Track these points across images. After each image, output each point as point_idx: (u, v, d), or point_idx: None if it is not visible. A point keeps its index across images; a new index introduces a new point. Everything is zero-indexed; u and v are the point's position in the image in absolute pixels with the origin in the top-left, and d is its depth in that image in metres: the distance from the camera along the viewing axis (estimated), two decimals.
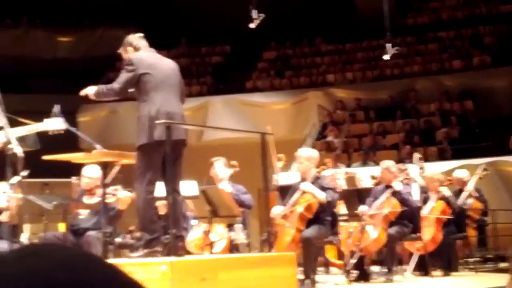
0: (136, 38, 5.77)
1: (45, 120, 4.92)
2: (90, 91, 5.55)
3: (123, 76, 5.49)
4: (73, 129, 6.07)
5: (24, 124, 4.86)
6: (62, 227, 6.99)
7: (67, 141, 8.34)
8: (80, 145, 11.69)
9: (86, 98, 5.66)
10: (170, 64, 5.77)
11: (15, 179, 4.86)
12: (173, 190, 5.45)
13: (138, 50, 5.67)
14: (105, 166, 5.82)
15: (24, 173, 4.59)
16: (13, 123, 4.85)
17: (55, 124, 4.93)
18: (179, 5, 21.58)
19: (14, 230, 5.31)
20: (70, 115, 5.83)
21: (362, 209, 7.91)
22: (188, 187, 6.98)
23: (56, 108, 5.83)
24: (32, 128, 4.82)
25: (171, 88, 5.56)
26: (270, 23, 13.63)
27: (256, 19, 12.41)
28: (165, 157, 5.34)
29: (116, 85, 5.51)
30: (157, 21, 20.98)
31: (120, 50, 5.77)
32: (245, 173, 8.37)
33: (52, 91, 16.62)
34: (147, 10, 21.29)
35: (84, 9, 21.18)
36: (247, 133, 10.60)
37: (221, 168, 7.96)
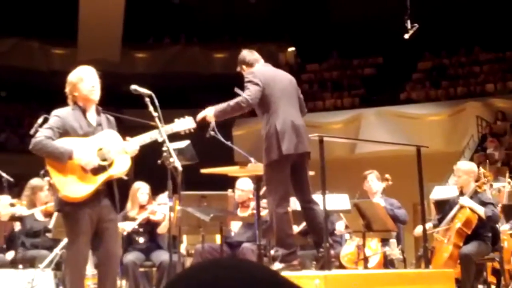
0: (249, 54, 5.70)
1: (176, 120, 5.01)
2: (208, 113, 5.35)
3: (251, 89, 5.36)
4: (228, 142, 6.21)
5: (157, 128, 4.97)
6: (218, 239, 7.16)
7: (223, 155, 8.58)
8: (235, 158, 11.97)
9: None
10: (288, 77, 5.70)
11: (175, 192, 5.03)
12: (308, 201, 5.44)
13: (252, 66, 5.60)
14: (259, 179, 5.88)
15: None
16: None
17: (185, 123, 5.02)
18: (331, 18, 21.62)
19: (173, 241, 5.49)
20: (225, 129, 5.95)
21: (504, 228, 7.45)
22: (340, 201, 6.92)
23: (213, 122, 5.99)
24: (165, 130, 4.92)
25: (290, 101, 5.49)
26: (424, 33, 13.30)
27: (410, 30, 12.13)
28: (295, 170, 5.34)
29: (247, 97, 5.34)
30: (309, 35, 21.13)
31: (238, 69, 5.72)
32: (399, 187, 8.17)
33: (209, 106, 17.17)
34: (299, 25, 21.50)
35: (238, 26, 21.77)
36: (401, 145, 10.35)
37: (374, 182, 7.82)
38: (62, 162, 4.65)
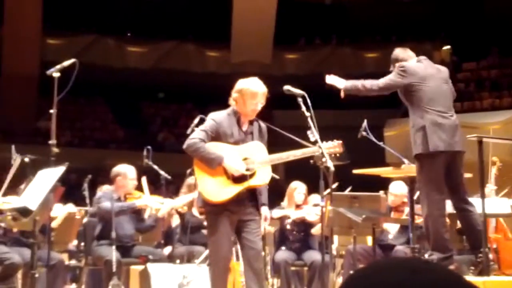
0: (402, 52, 5.61)
1: (324, 142, 4.94)
2: (339, 83, 5.40)
3: (391, 77, 5.36)
4: (380, 143, 6.11)
5: (303, 146, 4.95)
6: (370, 241, 7.06)
7: (375, 156, 8.46)
8: (386, 159, 11.76)
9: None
10: (442, 73, 5.53)
11: (327, 192, 5.01)
12: (463, 203, 5.26)
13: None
14: (413, 181, 5.74)
15: (334, 185, 4.70)
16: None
17: (333, 147, 4.95)
18: (490, 14, 20.74)
19: (325, 241, 5.47)
20: (377, 130, 5.86)
21: None
22: (500, 204, 6.60)
23: (365, 122, 5.93)
24: (308, 151, 4.90)
25: (444, 98, 5.34)
26: None
27: None
28: (448, 170, 5.19)
29: (381, 82, 5.36)
30: (466, 32, 20.39)
31: (391, 68, 5.61)
32: None
33: (360, 107, 17.03)
34: (456, 22, 20.80)
35: (391, 25, 21.41)
36: None
37: None
38: (211, 167, 4.80)
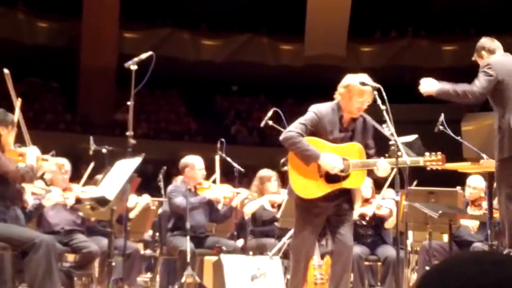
0: (490, 41, 5.39)
1: (426, 154, 4.83)
2: (431, 87, 5.20)
3: (483, 80, 5.08)
4: (457, 138, 5.99)
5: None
6: (445, 237, 6.92)
7: (451, 150, 8.27)
8: (463, 154, 11.50)
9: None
10: None
11: (402, 187, 4.94)
12: None
13: (493, 53, 5.29)
14: (492, 177, 5.61)
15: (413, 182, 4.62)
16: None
17: (432, 160, 4.84)
18: None
19: (400, 237, 5.39)
20: (454, 124, 5.77)
21: None
22: None
23: (442, 117, 5.81)
24: (413, 160, 4.78)
25: None
26: None
27: None
28: None
29: (475, 88, 5.07)
30: None
31: (474, 57, 5.42)
32: None
33: (437, 101, 16.68)
34: None
35: (470, 17, 20.88)
36: None
37: None
38: (305, 163, 4.68)
